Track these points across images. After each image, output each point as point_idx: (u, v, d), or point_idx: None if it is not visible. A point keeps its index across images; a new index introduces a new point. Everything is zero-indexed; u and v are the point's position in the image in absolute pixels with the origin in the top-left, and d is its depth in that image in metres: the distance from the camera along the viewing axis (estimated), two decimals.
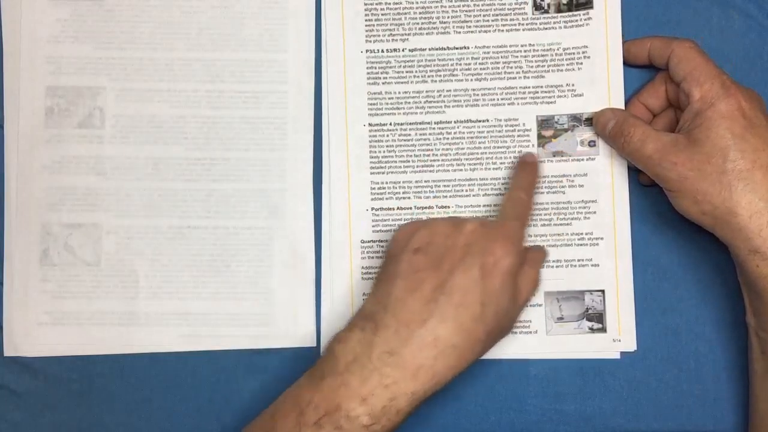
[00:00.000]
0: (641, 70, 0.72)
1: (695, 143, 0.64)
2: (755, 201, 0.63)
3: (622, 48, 0.72)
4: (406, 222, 0.68)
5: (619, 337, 0.71)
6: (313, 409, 0.59)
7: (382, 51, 0.73)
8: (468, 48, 0.73)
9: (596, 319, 0.71)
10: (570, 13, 0.72)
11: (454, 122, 0.73)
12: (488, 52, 0.73)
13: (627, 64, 0.72)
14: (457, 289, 0.61)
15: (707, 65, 0.66)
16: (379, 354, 0.59)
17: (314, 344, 0.72)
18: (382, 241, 0.72)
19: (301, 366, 0.70)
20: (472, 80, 0.73)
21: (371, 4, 0.73)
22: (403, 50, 0.73)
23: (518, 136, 0.72)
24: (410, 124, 0.73)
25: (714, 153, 0.63)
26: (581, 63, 0.72)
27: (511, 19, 0.72)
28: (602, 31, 0.72)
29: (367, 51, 0.73)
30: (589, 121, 0.71)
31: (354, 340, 0.61)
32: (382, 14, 0.73)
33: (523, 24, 0.72)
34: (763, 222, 0.62)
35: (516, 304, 0.64)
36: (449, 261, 0.62)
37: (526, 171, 0.71)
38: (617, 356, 0.71)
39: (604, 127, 0.70)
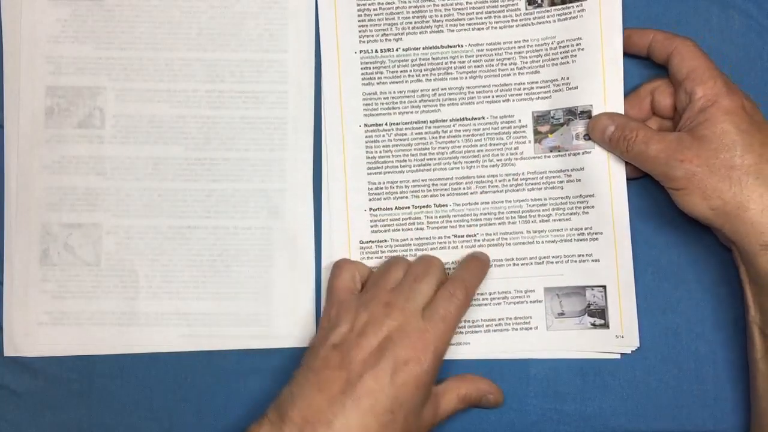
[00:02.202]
0: (642, 68, 0.72)
1: (701, 140, 0.64)
2: (766, 194, 0.63)
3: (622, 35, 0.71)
4: (335, 300, 0.68)
5: (622, 334, 0.71)
6: None
7: (376, 51, 0.73)
8: (462, 46, 0.73)
9: (598, 315, 0.71)
10: (563, 6, 0.72)
11: (450, 120, 0.73)
12: (482, 50, 0.73)
13: (624, 52, 0.71)
14: (365, 393, 0.61)
15: (709, 64, 0.67)
16: None
17: None
18: (381, 242, 0.72)
19: None
20: (466, 78, 0.73)
21: (364, 5, 0.73)
22: (396, 50, 0.73)
23: (514, 132, 0.72)
24: (406, 123, 0.73)
25: (721, 148, 0.63)
26: (575, 55, 0.71)
27: (504, 16, 0.72)
28: (596, 21, 0.71)
29: (360, 51, 0.73)
30: (584, 114, 0.71)
31: None
32: (375, 14, 0.73)
33: (516, 20, 0.72)
34: None
35: (434, 409, 0.66)
36: (361, 363, 0.63)
37: (473, 266, 0.71)
38: (617, 356, 0.71)
39: (603, 133, 0.69)
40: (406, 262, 0.70)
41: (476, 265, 0.71)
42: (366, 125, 0.73)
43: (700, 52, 0.68)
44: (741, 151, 0.63)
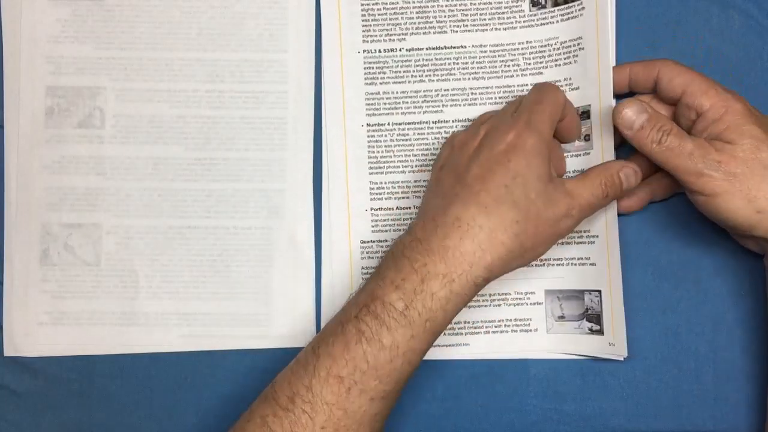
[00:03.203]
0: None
1: (733, 142, 0.63)
2: None
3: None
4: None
5: (614, 341, 0.70)
6: (353, 305, 0.61)
7: (379, 51, 0.73)
8: (465, 47, 0.73)
9: (595, 320, 0.71)
10: (566, 5, 0.72)
11: (452, 121, 0.73)
12: (485, 51, 0.73)
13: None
14: (475, 179, 0.62)
15: (700, 75, 0.66)
16: (409, 243, 0.61)
17: None
18: (381, 242, 0.72)
19: None
20: (469, 79, 0.73)
21: (368, 5, 0.73)
22: (400, 50, 0.73)
23: None
24: (408, 123, 0.73)
25: (755, 148, 0.62)
26: (577, 55, 0.71)
27: (508, 17, 0.72)
28: (594, 18, 0.71)
29: (364, 51, 0.73)
30: (584, 114, 0.70)
31: (393, 246, 0.63)
32: (378, 14, 0.73)
33: (520, 21, 0.72)
34: None
35: (555, 188, 0.63)
36: (466, 158, 0.64)
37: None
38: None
39: (631, 120, 0.65)
40: None
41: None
42: (368, 125, 0.73)
43: (685, 66, 0.66)
44: None
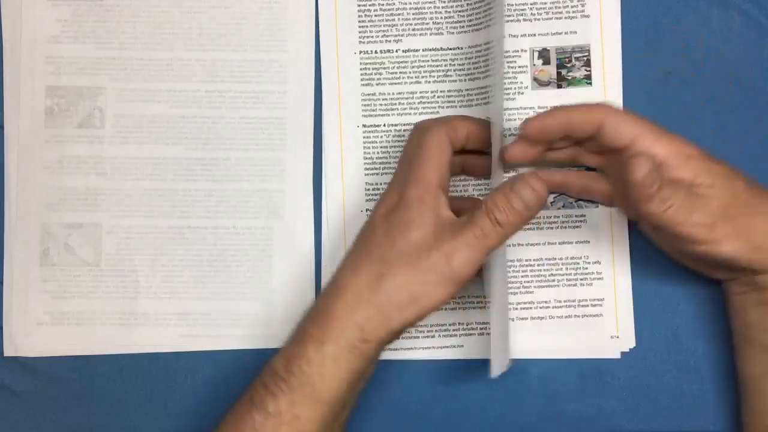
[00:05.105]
0: (641, 68, 0.72)
1: (710, 186, 0.61)
2: None
3: (523, 128, 0.64)
4: None
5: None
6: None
7: (376, 52, 0.73)
8: (461, 48, 0.73)
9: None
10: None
11: None
12: (480, 51, 0.72)
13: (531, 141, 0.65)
14: (356, 241, 0.63)
15: (649, 122, 0.62)
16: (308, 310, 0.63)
17: None
18: None
19: None
20: (465, 80, 0.72)
21: (364, 5, 0.73)
22: (396, 51, 0.73)
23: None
24: (404, 125, 0.73)
25: (736, 186, 0.61)
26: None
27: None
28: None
29: (360, 52, 0.73)
30: None
31: None
32: (375, 15, 0.73)
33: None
34: None
35: (435, 233, 0.60)
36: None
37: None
38: (617, 356, 0.71)
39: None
40: None
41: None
42: (364, 126, 0.73)
43: (631, 113, 0.63)
44: (743, 183, 0.61)
